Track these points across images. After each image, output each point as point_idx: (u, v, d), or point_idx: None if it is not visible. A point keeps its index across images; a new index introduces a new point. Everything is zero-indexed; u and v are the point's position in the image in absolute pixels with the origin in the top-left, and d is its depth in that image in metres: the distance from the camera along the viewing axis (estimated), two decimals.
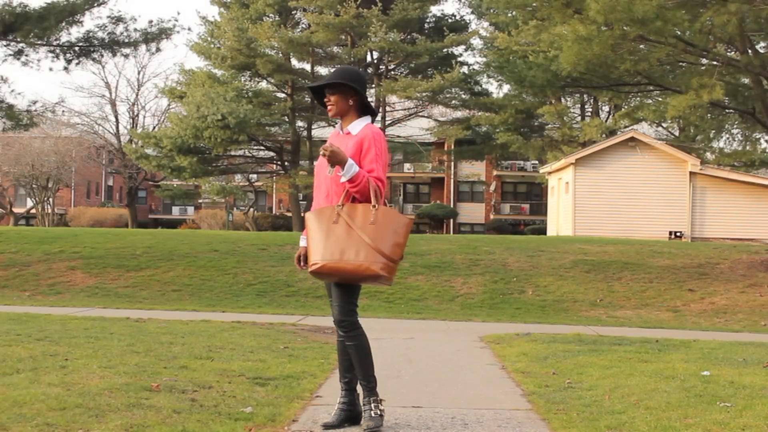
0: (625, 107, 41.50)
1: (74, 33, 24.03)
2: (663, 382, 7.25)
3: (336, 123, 5.99)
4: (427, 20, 50.98)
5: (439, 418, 5.91)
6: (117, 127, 63.89)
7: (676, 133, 47.42)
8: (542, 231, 47.73)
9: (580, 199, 34.42)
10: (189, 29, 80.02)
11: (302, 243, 5.68)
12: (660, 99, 30.62)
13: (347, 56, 47.40)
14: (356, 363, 5.50)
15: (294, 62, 50.33)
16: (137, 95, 66.39)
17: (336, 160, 5.31)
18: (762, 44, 23.96)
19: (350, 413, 5.56)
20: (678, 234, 33.62)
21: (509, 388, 7.32)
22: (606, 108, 48.57)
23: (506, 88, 47.37)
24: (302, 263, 5.66)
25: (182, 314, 13.80)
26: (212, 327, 11.22)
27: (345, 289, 5.46)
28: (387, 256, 5.24)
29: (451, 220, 63.03)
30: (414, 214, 58.53)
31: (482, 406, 6.42)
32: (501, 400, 6.70)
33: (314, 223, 5.36)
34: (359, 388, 5.58)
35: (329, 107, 5.63)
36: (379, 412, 5.45)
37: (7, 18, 21.79)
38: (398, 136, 52.00)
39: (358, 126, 5.61)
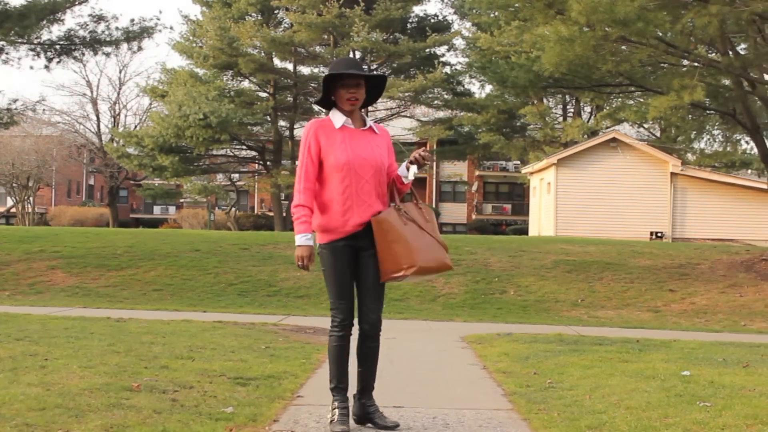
0: (607, 108, 41.68)
1: (55, 31, 24.05)
2: (643, 381, 7.28)
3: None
4: (410, 20, 50.99)
5: (420, 418, 5.92)
6: (98, 126, 63.71)
7: (658, 134, 47.61)
8: (524, 231, 47.82)
9: (561, 200, 34.52)
10: (171, 28, 79.56)
11: (309, 242, 5.36)
12: (641, 100, 30.75)
13: (330, 56, 47.37)
14: (373, 364, 5.63)
15: (276, 62, 50.25)
16: (119, 94, 66.11)
17: None
18: (742, 46, 24.05)
19: (349, 417, 5.53)
20: (659, 234, 33.77)
21: (490, 388, 7.33)
22: (588, 108, 48.73)
23: (488, 88, 47.58)
24: (306, 263, 5.37)
25: (163, 314, 13.76)
26: (193, 327, 11.19)
27: (384, 292, 5.61)
28: (446, 248, 5.53)
29: None
30: None
31: (463, 406, 6.43)
32: (482, 400, 6.71)
33: (392, 227, 5.33)
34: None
35: (353, 100, 5.42)
36: None
37: None
38: None
39: (371, 123, 5.59)
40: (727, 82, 22.68)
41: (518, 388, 7.17)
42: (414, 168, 5.45)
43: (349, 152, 5.35)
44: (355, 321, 5.55)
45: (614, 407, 6.19)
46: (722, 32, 19.70)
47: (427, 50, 48.15)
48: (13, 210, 61.82)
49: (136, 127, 60.45)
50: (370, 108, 52.97)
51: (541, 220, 37.33)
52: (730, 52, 21.09)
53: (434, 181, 64.27)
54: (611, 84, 25.54)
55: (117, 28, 25.07)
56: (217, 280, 18.39)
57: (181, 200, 67.51)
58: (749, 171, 42.73)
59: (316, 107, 51.53)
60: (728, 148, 39.62)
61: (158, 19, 26.84)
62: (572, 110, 48.48)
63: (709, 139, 43.64)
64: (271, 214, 54.83)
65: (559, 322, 15.00)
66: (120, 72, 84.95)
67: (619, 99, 36.45)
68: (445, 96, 49.19)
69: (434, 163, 61.03)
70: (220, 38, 44.80)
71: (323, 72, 50.30)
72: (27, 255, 20.21)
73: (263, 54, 48.64)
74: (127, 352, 8.23)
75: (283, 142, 50.99)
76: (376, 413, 5.53)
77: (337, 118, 5.47)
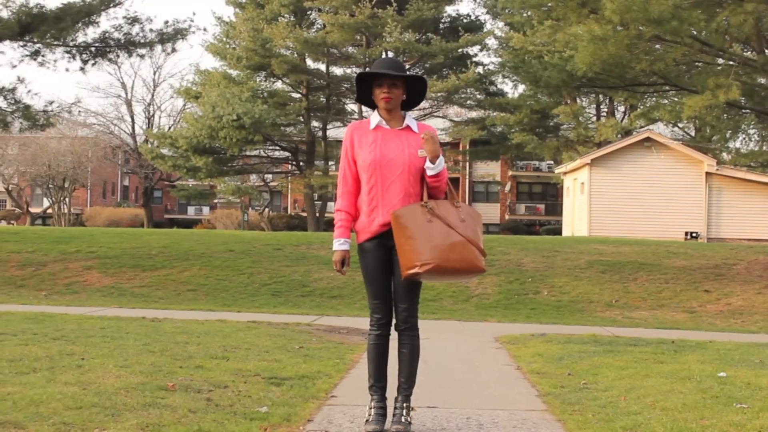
0: (641, 107, 41.32)
1: (90, 34, 24.14)
2: (679, 383, 7.23)
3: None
4: (442, 20, 50.95)
5: (454, 418, 5.91)
6: (133, 127, 64.23)
7: (692, 134, 47.23)
8: (557, 231, 47.62)
9: (595, 200, 34.33)
10: (204, 30, 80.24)
11: (343, 246, 5.41)
12: (676, 99, 30.46)
13: (362, 56, 47.44)
14: (409, 364, 5.48)
15: (309, 62, 50.40)
16: (153, 95, 66.73)
17: (437, 150, 5.26)
18: None
19: (385, 417, 5.45)
20: (694, 234, 33.49)
21: (524, 389, 7.31)
22: (621, 108, 48.42)
23: (521, 88, 47.47)
24: (343, 266, 5.43)
25: (198, 314, 13.84)
26: (228, 327, 11.24)
27: (417, 289, 5.45)
28: (483, 251, 5.30)
29: None
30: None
31: (497, 406, 6.41)
32: (516, 401, 6.69)
33: (411, 223, 5.18)
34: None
35: (388, 99, 5.35)
36: (409, 420, 5.38)
37: (24, 19, 21.91)
38: None
39: (413, 122, 5.49)
40: (762, 80, 22.49)
41: (552, 388, 7.14)
42: (428, 161, 5.32)
43: (376, 152, 5.33)
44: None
45: (649, 408, 6.15)
46: (758, 30, 19.53)
47: (460, 50, 48.09)
48: (50, 211, 62.47)
49: (170, 128, 60.79)
50: None
51: (575, 221, 37.14)
52: (766, 51, 20.88)
53: (467, 181, 64.14)
54: (645, 83, 25.35)
55: (151, 30, 25.27)
56: (251, 280, 18.46)
57: (215, 201, 67.89)
58: None
59: (349, 107, 51.95)
60: (764, 148, 39.17)
61: (192, 20, 27.10)
62: (606, 110, 48.23)
63: (744, 139, 43.20)
64: (305, 214, 54.98)
65: (594, 322, 14.92)
66: (154, 74, 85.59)
67: (653, 98, 36.10)
68: (478, 96, 49.13)
69: (467, 164, 60.93)
70: (253, 39, 45.01)
71: (356, 72, 50.64)
72: (63, 255, 20.39)
73: (296, 55, 48.79)
74: (162, 351, 8.28)
75: (316, 142, 51.13)
76: (394, 417, 5.40)
77: (373, 118, 5.47)
